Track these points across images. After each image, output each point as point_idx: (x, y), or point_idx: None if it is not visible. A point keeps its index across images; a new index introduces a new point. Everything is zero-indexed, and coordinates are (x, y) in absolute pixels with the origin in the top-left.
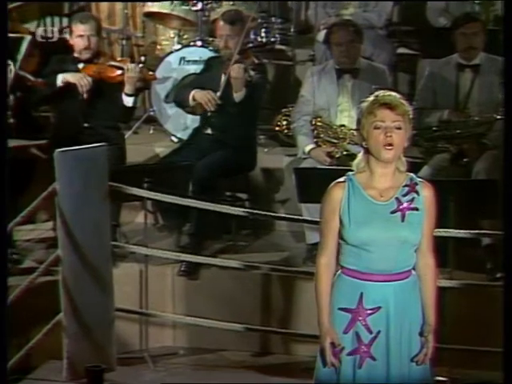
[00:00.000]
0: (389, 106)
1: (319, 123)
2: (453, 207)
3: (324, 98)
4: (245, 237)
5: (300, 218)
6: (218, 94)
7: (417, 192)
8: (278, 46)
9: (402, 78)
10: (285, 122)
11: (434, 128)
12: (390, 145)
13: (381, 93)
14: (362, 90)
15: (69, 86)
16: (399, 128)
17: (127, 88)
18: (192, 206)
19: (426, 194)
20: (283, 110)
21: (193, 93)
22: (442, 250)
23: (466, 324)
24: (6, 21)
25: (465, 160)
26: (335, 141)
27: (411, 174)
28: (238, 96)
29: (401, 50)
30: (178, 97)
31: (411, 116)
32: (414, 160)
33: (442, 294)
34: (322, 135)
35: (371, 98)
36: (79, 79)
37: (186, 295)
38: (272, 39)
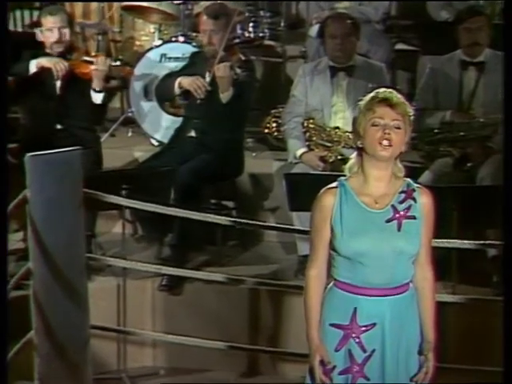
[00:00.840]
0: (389, 103)
1: (312, 125)
2: (456, 216)
3: (317, 98)
4: (231, 248)
5: (291, 227)
6: (207, 79)
7: (414, 199)
8: (267, 42)
9: (400, 76)
10: (274, 124)
11: (436, 130)
12: (388, 142)
13: (381, 89)
14: (358, 89)
15: (42, 74)
16: (398, 128)
17: (95, 83)
18: (174, 214)
19: (423, 201)
20: (273, 110)
21: (179, 80)
22: (445, 262)
23: (470, 342)
24: (6, 21)
25: (469, 165)
26: (329, 144)
27: (408, 180)
28: (224, 97)
29: (399, 46)
30: (161, 88)
31: (412, 118)
32: (413, 165)
33: (445, 309)
34: (314, 138)
35: (371, 95)
36: (55, 63)
37: (168, 311)
38: (260, 34)
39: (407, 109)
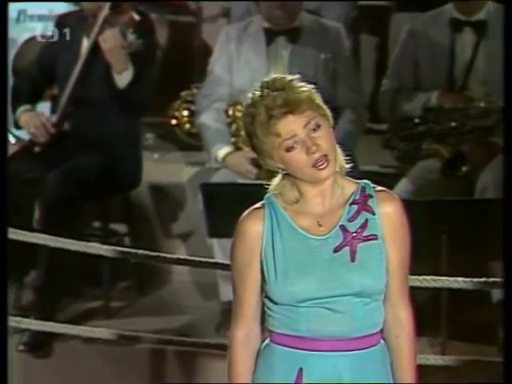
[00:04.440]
0: (289, 110)
1: (240, 114)
2: (446, 242)
3: (246, 75)
4: (124, 292)
5: (210, 261)
6: (86, 45)
7: (370, 210)
8: None
9: (366, 42)
10: (186, 113)
11: (417, 120)
12: (321, 160)
13: (263, 89)
14: (306, 62)
15: None
16: (318, 126)
17: None
18: (39, 243)
19: (386, 211)
20: (183, 93)
21: (19, 112)
22: (431, 309)
23: None
24: (6, 21)
25: (464, 169)
26: None
27: (363, 182)
28: (122, 78)
29: (364, 1)
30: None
31: (317, 96)
32: (384, 170)
33: (432, 375)
34: (242, 132)
35: (253, 108)
36: None
37: (30, 380)
38: None
39: (306, 93)
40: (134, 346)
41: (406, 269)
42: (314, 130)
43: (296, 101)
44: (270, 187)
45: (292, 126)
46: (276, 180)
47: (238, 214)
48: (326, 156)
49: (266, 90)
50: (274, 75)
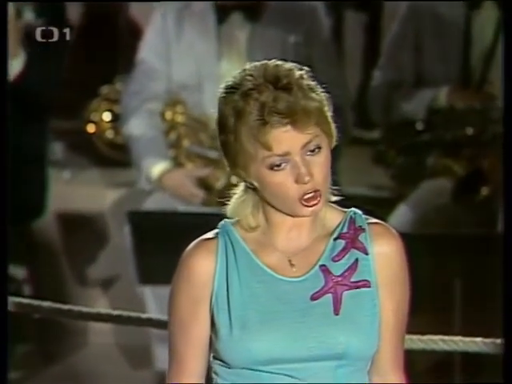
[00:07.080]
0: (292, 120)
1: (180, 117)
2: (459, 289)
3: (190, 65)
4: (23, 358)
5: (142, 316)
6: None
7: (362, 247)
8: None
9: (351, 22)
10: (107, 116)
11: (420, 125)
12: (311, 195)
13: (258, 78)
14: (270, 47)
15: None
16: (318, 148)
17: None
18: None
19: (382, 250)
20: (104, 90)
21: None
22: (442, 376)
23: None
24: (6, 21)
25: (483, 191)
26: (213, 154)
27: (352, 211)
28: (11, 67)
29: None
30: None
31: (328, 106)
32: (376, 194)
33: None
34: (185, 142)
35: (242, 101)
36: None
37: None
38: None
39: (323, 105)
40: None
41: (402, 329)
42: (313, 151)
43: (303, 111)
44: (229, 208)
45: (289, 141)
46: (235, 197)
47: (178, 254)
48: (317, 191)
49: (263, 81)
50: (275, 61)
